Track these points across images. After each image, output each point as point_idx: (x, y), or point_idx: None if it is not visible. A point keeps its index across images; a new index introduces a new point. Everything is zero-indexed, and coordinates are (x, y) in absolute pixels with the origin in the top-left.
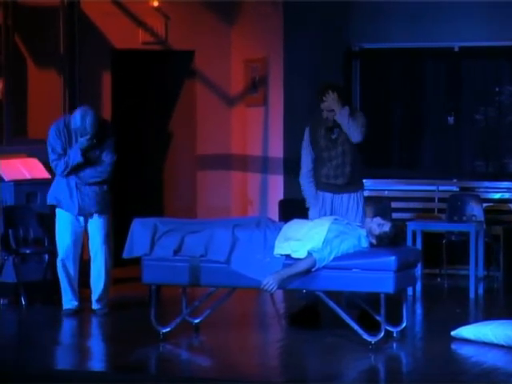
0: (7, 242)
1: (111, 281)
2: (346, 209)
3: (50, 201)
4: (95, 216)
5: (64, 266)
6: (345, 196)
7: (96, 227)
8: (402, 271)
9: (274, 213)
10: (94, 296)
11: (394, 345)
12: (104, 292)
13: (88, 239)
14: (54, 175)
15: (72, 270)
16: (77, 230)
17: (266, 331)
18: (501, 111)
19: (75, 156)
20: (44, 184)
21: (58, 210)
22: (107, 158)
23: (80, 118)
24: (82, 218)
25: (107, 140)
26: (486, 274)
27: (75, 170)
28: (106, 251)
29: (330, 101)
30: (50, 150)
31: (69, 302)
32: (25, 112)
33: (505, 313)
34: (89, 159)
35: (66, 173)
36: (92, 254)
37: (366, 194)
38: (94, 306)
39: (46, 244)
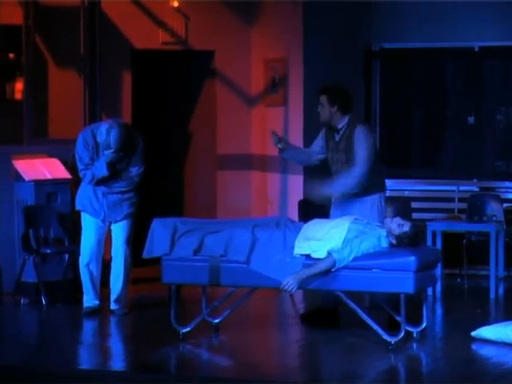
0: (28, 241)
1: (131, 281)
2: (349, 213)
3: (77, 206)
4: (119, 221)
5: (87, 266)
6: (346, 201)
7: (119, 228)
8: (422, 271)
9: (293, 213)
10: (113, 296)
11: (414, 345)
12: (122, 292)
13: (110, 239)
14: (74, 177)
15: (95, 270)
16: (101, 232)
17: (285, 331)
18: None
19: (101, 169)
20: (64, 184)
21: (83, 214)
22: (134, 169)
23: (105, 133)
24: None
25: (135, 152)
26: (506, 274)
27: (102, 181)
28: (127, 252)
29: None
30: (77, 159)
31: (90, 300)
32: (45, 112)
33: None
34: (115, 170)
35: (93, 183)
36: (113, 254)
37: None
38: (113, 306)
39: (67, 244)
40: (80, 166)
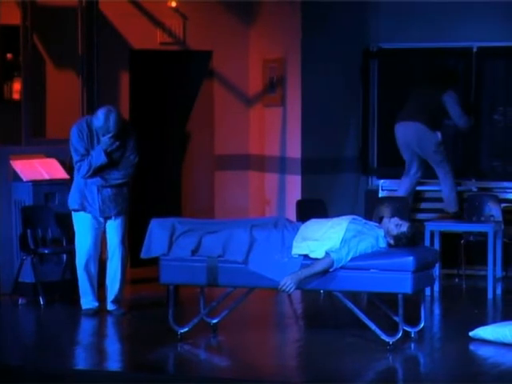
0: (26, 242)
1: (128, 281)
2: None
3: (72, 206)
4: (114, 217)
5: (86, 267)
6: None
7: (114, 228)
8: (420, 271)
9: (291, 213)
10: (110, 297)
11: (412, 345)
12: (119, 293)
13: (105, 239)
14: (72, 177)
15: (93, 271)
16: (97, 232)
17: (283, 331)
18: None
19: (98, 157)
20: (62, 184)
21: (76, 214)
22: (131, 157)
23: (103, 117)
24: (101, 219)
25: (129, 140)
26: (504, 275)
27: (99, 171)
28: (123, 252)
29: None
30: (72, 151)
31: (89, 302)
32: (43, 112)
33: None
34: (112, 160)
35: (89, 174)
36: (109, 255)
37: (384, 193)
38: (110, 306)
39: (65, 244)
40: (76, 158)
